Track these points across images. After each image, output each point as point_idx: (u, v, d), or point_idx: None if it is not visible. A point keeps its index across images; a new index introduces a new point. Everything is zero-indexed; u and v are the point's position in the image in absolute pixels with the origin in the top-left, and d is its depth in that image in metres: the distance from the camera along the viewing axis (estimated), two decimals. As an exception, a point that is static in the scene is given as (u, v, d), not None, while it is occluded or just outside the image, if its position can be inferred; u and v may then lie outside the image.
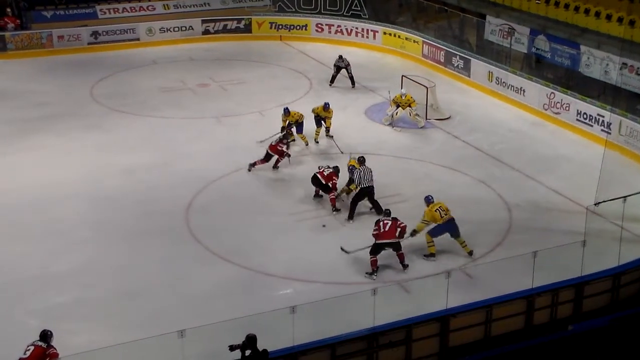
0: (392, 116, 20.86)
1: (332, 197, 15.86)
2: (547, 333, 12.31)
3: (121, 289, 13.19)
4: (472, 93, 23.73)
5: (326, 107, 19.41)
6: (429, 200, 14.61)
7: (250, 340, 10.34)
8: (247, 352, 10.38)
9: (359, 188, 15.54)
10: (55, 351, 10.47)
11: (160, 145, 19.36)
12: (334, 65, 24.27)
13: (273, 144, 17.59)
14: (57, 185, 16.94)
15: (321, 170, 16.02)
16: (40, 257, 14.11)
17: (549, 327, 12.39)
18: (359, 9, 29.40)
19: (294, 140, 18.27)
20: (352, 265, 13.94)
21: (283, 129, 18.96)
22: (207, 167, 17.97)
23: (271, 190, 17.02)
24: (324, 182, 15.87)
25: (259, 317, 11.19)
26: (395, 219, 13.80)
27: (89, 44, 28.21)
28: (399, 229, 13.66)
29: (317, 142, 19.48)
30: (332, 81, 24.20)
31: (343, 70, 24.06)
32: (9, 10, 27.66)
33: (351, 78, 24.04)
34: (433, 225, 14.32)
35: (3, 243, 14.58)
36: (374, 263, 13.59)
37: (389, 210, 14.23)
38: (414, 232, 14.40)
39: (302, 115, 19.37)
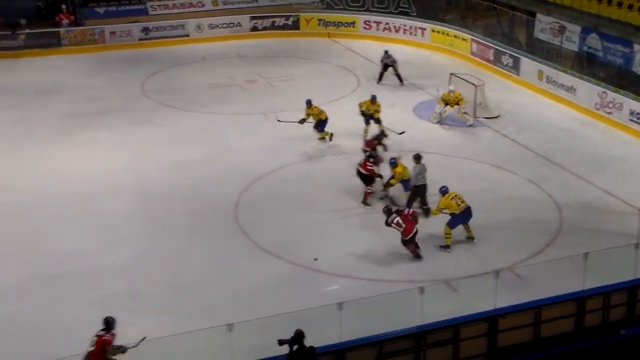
0: (441, 114, 20.75)
1: (367, 190, 16.00)
2: (599, 336, 12.13)
3: (171, 282, 13.37)
4: (522, 92, 23.47)
5: (373, 99, 19.34)
6: (445, 191, 14.71)
7: (298, 336, 10.41)
8: (295, 347, 10.44)
9: (413, 186, 15.48)
10: (107, 337, 10.56)
11: (209, 140, 19.56)
12: (381, 61, 24.24)
13: (361, 163, 16.40)
14: (108, 179, 17.24)
15: (363, 162, 16.12)
16: (94, 250, 14.38)
17: (600, 330, 12.21)
18: (407, 6, 29.30)
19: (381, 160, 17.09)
20: (400, 263, 13.91)
21: (304, 120, 18.97)
22: (255, 163, 18.11)
23: (319, 186, 17.05)
24: (364, 172, 15.99)
25: (306, 313, 11.25)
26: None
27: (139, 39, 28.66)
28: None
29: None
30: (379, 79, 24.14)
31: (391, 68, 23.99)
32: (64, 7, 28.24)
33: (398, 75, 23.97)
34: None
35: (59, 235, 14.89)
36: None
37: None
38: (427, 211, 15.20)
39: (323, 113, 19.10)
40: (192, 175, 17.54)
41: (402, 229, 13.84)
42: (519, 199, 16.42)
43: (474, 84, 21.24)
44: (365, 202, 16.00)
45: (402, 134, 18.98)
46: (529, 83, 23.57)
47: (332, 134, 19.21)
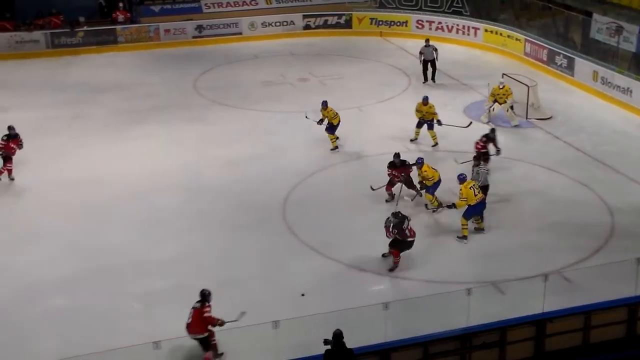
0: (489, 111, 20.54)
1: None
2: (650, 343, 11.93)
3: (218, 278, 13.48)
4: (576, 93, 23.10)
5: (425, 101, 18.91)
6: (463, 178, 14.68)
7: (337, 337, 10.34)
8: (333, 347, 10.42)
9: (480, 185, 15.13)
10: (209, 311, 10.90)
11: (260, 138, 19.73)
12: (420, 53, 23.84)
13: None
14: (160, 175, 17.53)
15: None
16: (142, 244, 14.63)
17: (652, 337, 12.00)
18: (461, 5, 29.07)
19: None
20: (447, 264, 13.86)
21: (321, 121, 18.84)
22: (305, 161, 18.21)
23: (366, 186, 17.04)
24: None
25: (351, 312, 11.29)
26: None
27: (193, 37, 29.03)
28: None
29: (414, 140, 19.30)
30: (425, 79, 23.88)
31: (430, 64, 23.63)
32: (121, 4, 28.78)
33: (434, 72, 23.71)
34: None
35: (108, 229, 15.20)
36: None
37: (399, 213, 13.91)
38: (452, 206, 14.74)
39: (337, 117, 18.72)
40: (242, 172, 17.73)
41: (410, 237, 13.58)
42: (570, 202, 16.19)
43: (526, 85, 20.98)
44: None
45: (469, 126, 18.77)
46: (583, 84, 23.18)
47: (337, 138, 18.89)
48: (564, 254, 14.03)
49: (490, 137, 17.19)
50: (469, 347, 11.27)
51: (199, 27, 29.08)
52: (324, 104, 18.90)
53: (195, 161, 18.38)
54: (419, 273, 13.52)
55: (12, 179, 17.30)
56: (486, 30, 27.91)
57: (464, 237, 14.57)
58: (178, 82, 24.43)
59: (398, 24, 29.60)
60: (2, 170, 17.25)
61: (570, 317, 11.72)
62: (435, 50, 23.75)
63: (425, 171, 15.61)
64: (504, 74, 22.08)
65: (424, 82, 23.83)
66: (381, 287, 13.27)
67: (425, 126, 19.00)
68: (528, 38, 26.15)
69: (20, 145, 17.43)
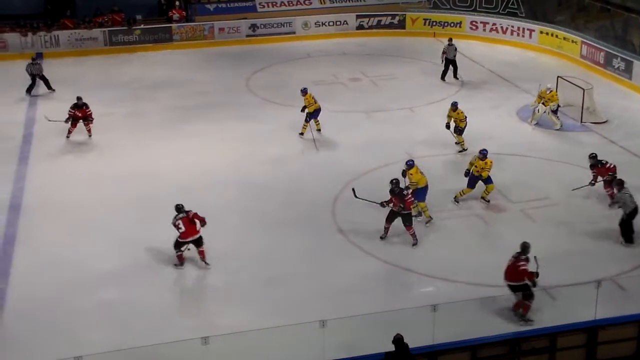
0: (534, 112, 20.31)
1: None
2: None
3: (266, 275, 13.62)
4: (634, 97, 22.63)
5: (454, 106, 18.45)
6: (484, 154, 15.64)
7: (395, 342, 10.29)
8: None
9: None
10: (194, 212, 13.29)
11: (310, 137, 19.79)
12: (443, 52, 24.15)
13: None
14: (210, 172, 17.73)
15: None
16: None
17: None
18: (516, 7, 28.72)
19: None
20: (498, 268, 13.71)
21: (304, 108, 19.57)
22: (355, 160, 18.21)
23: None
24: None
25: (399, 313, 11.28)
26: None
27: (247, 36, 29.26)
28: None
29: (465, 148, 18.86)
30: (443, 77, 24.13)
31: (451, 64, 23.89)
32: (177, 3, 29.19)
33: (455, 70, 23.96)
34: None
35: (159, 224, 15.35)
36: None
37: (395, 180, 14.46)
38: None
39: (316, 105, 19.56)
40: (292, 171, 17.82)
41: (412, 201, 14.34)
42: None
43: (581, 88, 20.63)
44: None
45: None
46: (641, 88, 22.73)
47: (305, 127, 19.62)
48: (617, 261, 13.78)
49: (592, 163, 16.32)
50: (518, 352, 11.16)
51: (253, 26, 29.30)
52: (304, 91, 19.56)
53: (245, 159, 18.54)
54: (469, 276, 13.42)
55: (90, 136, 19.97)
56: (541, 32, 27.52)
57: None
58: (231, 81, 24.65)
59: (452, 24, 29.38)
60: (71, 130, 19.81)
61: (624, 325, 11.51)
62: (456, 49, 24.14)
63: (412, 174, 15.28)
64: (559, 76, 21.76)
65: (442, 79, 24.12)
66: (430, 289, 13.21)
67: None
68: (585, 40, 25.70)
69: (89, 115, 19.82)
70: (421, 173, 15.41)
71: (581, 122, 20.44)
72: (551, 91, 20.16)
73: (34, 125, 20.91)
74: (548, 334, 11.23)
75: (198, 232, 13.66)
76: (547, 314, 11.76)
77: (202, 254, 13.85)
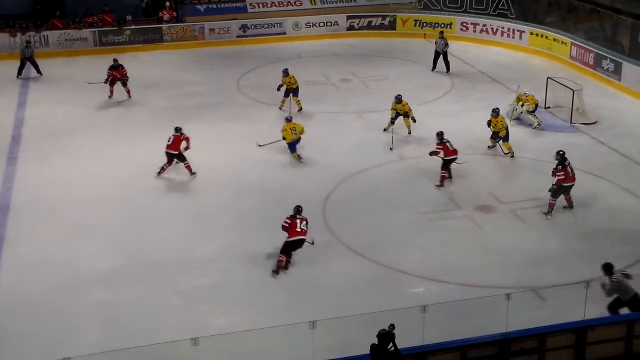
0: (513, 111, 20.67)
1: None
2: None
3: (258, 276, 13.62)
4: (623, 98, 22.74)
5: (398, 99, 19.49)
6: (497, 112, 18.05)
7: (380, 337, 10.31)
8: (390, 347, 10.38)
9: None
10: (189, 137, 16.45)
11: (302, 138, 19.75)
12: (435, 43, 25.45)
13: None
14: (203, 173, 17.69)
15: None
16: (185, 241, 14.80)
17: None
18: (506, 8, 28.82)
19: None
20: (487, 269, 13.77)
21: (280, 87, 21.42)
22: (346, 161, 18.23)
23: (407, 188, 17.03)
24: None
25: (390, 314, 11.25)
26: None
27: (237, 37, 29.25)
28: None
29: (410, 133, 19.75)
30: (433, 68, 25.27)
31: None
32: (167, 4, 29.14)
33: (447, 63, 24.99)
34: None
35: (152, 225, 15.42)
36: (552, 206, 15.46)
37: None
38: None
39: (296, 82, 21.48)
40: (284, 172, 17.83)
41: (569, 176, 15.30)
42: (615, 209, 15.96)
43: (571, 89, 20.72)
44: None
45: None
46: (631, 89, 22.81)
47: (285, 102, 21.47)
48: (607, 261, 13.79)
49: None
50: (507, 353, 11.16)
51: (244, 27, 29.29)
52: (286, 72, 21.50)
53: (237, 160, 18.53)
54: (459, 277, 13.46)
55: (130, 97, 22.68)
56: (532, 34, 27.62)
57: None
58: (222, 82, 24.64)
59: (442, 26, 29.39)
60: (112, 91, 22.52)
61: (613, 326, 11.51)
62: (447, 44, 25.06)
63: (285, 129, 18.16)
64: (549, 78, 21.84)
65: (432, 70, 25.32)
66: (420, 290, 13.23)
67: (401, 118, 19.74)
68: (575, 42, 25.81)
69: (124, 76, 22.49)
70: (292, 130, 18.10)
71: (571, 123, 20.53)
72: (528, 95, 20.48)
73: (23, 126, 20.83)
74: (537, 334, 11.22)
75: (179, 149, 17.11)
76: (536, 315, 11.78)
77: (188, 168, 17.31)
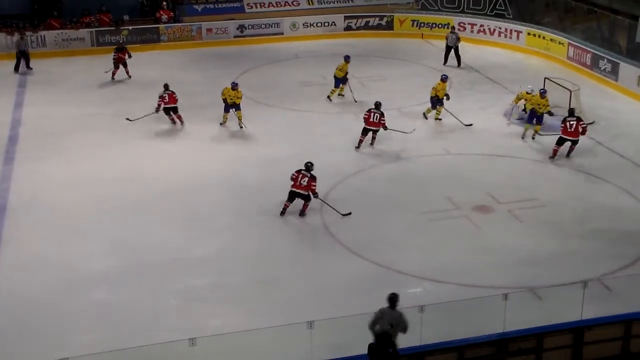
0: (512, 110, 20.72)
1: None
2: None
3: (256, 276, 13.62)
4: (620, 98, 22.77)
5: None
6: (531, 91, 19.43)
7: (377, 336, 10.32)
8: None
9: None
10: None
11: (299, 138, 19.78)
12: (446, 38, 26.29)
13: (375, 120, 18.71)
14: (199, 173, 17.69)
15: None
16: (182, 241, 14.78)
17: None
18: (503, 8, 28.85)
19: None
20: (485, 269, 13.77)
21: (343, 79, 22.21)
22: (344, 161, 18.22)
23: (406, 187, 17.03)
24: (303, 192, 15.57)
25: (387, 314, 11.25)
26: (579, 119, 18.02)
27: (235, 37, 29.23)
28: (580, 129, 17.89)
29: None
30: (444, 62, 25.99)
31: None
32: (164, 3, 29.12)
33: (458, 57, 25.70)
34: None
35: (148, 225, 15.39)
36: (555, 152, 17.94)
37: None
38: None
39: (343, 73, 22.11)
40: (281, 172, 17.71)
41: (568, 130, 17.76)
42: (612, 209, 15.97)
43: (568, 89, 20.72)
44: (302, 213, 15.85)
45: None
46: (627, 89, 22.84)
47: (334, 92, 22.26)
48: (604, 262, 13.85)
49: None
50: (505, 353, 11.18)
51: (241, 27, 29.28)
52: (347, 58, 22.29)
53: (234, 160, 18.52)
54: (456, 277, 13.45)
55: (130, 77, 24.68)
56: (529, 34, 27.65)
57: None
58: (219, 82, 24.42)
59: (440, 26, 29.45)
60: (114, 72, 24.31)
61: (610, 326, 11.54)
62: (458, 39, 25.84)
63: None
64: (546, 78, 21.85)
65: (443, 64, 25.95)
66: (417, 290, 13.23)
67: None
68: (571, 42, 25.84)
69: (129, 54, 24.62)
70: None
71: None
72: (534, 95, 20.28)
73: (19, 126, 20.80)
74: (535, 334, 11.24)
75: (176, 102, 20.07)
76: (533, 315, 11.78)
77: (179, 117, 20.19)
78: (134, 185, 17.06)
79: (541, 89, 19.90)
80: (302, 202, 15.61)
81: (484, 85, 23.91)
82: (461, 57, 25.93)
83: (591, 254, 14.15)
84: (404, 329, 10.39)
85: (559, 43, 26.34)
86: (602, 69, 24.09)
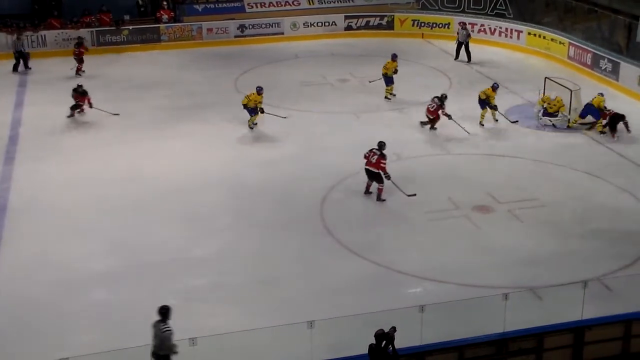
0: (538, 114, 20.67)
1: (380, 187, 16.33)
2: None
3: (256, 276, 13.61)
4: (620, 98, 22.71)
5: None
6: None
7: (377, 338, 10.31)
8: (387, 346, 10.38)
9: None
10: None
11: (299, 138, 19.77)
12: (457, 33, 26.80)
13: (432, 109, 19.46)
14: (201, 173, 17.68)
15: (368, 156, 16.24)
16: (182, 241, 14.77)
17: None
18: (504, 8, 28.85)
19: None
20: (485, 269, 13.76)
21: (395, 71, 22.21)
22: (344, 161, 18.17)
23: (406, 187, 16.99)
24: (374, 170, 16.17)
25: (387, 314, 11.26)
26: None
27: (235, 37, 29.23)
28: None
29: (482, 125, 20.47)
30: (456, 57, 26.60)
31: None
32: (165, 3, 29.12)
33: (468, 53, 26.18)
34: None
35: (149, 225, 15.38)
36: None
37: None
38: None
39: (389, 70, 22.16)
40: (282, 172, 17.80)
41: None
42: (613, 209, 15.96)
43: (569, 89, 20.71)
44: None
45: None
46: (628, 89, 22.82)
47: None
48: (604, 261, 13.84)
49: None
50: (505, 353, 11.18)
51: (241, 27, 29.28)
52: (394, 57, 22.17)
53: (234, 159, 18.51)
54: (456, 277, 13.44)
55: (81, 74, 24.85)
56: (529, 34, 27.64)
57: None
58: (219, 81, 24.61)
59: (440, 26, 29.46)
60: (79, 67, 24.82)
61: (610, 326, 11.54)
62: (469, 35, 26.40)
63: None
64: (546, 78, 21.83)
65: (454, 59, 26.65)
66: (418, 290, 13.23)
67: None
68: (572, 42, 25.83)
69: (85, 48, 25.12)
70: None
71: (569, 123, 20.50)
72: (556, 98, 20.47)
73: (19, 126, 20.80)
74: (535, 334, 11.25)
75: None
76: (534, 315, 11.78)
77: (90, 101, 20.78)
78: (133, 185, 17.05)
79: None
80: (377, 185, 16.22)
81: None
82: (471, 53, 26.38)
83: (591, 254, 14.14)
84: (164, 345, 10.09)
85: (560, 43, 26.33)
86: (602, 68, 24.07)
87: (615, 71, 23.47)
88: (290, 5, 30.26)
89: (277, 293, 13.10)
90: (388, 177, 16.03)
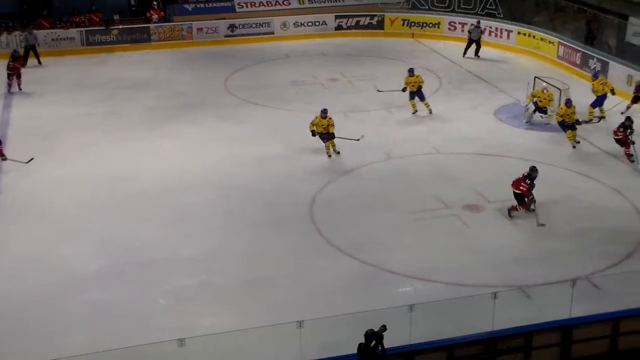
0: (527, 109, 20.66)
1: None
2: (679, 351, 11.77)
3: (246, 276, 13.61)
4: (610, 97, 22.76)
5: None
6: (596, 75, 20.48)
7: (366, 337, 10.33)
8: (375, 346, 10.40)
9: None
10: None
11: (290, 137, 19.77)
12: (469, 32, 27.11)
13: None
14: (190, 173, 17.67)
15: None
16: (172, 241, 14.75)
17: (681, 345, 11.84)
18: (494, 7, 28.95)
19: None
20: (474, 268, 13.81)
21: (405, 89, 21.02)
22: (334, 161, 18.24)
23: (396, 187, 17.05)
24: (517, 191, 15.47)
25: (377, 313, 11.28)
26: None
27: (225, 36, 29.23)
28: None
29: None
30: (464, 53, 26.87)
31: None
32: (155, 3, 29.08)
33: (478, 49, 26.76)
34: None
35: (139, 225, 15.37)
36: None
37: None
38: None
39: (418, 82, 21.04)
40: (272, 172, 17.80)
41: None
42: (602, 208, 16.01)
43: (558, 88, 20.79)
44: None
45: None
46: (617, 89, 22.83)
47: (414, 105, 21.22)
48: (593, 260, 13.90)
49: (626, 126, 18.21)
50: (494, 352, 11.23)
51: (232, 27, 29.27)
52: (411, 71, 21.44)
53: (224, 159, 18.50)
54: (446, 276, 13.48)
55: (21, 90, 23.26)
56: (519, 33, 27.73)
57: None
58: (209, 81, 24.60)
59: (430, 25, 29.52)
60: (10, 83, 23.12)
61: (598, 324, 11.61)
62: (481, 32, 27.09)
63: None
64: (536, 77, 21.91)
65: (463, 56, 26.83)
66: (407, 289, 13.25)
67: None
68: (561, 41, 25.92)
69: (24, 63, 24.28)
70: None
71: (558, 122, 20.54)
72: (547, 91, 20.44)
73: (8, 126, 20.73)
74: (523, 332, 11.30)
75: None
76: (522, 313, 11.83)
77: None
78: (124, 185, 17.03)
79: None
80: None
81: (474, 84, 23.96)
82: (465, 55, 26.88)
83: (580, 253, 14.20)
84: None
85: (549, 42, 26.43)
86: (591, 68, 24.15)
87: (604, 70, 23.54)
88: (281, 5, 30.28)
89: (266, 293, 13.11)
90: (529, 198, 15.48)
